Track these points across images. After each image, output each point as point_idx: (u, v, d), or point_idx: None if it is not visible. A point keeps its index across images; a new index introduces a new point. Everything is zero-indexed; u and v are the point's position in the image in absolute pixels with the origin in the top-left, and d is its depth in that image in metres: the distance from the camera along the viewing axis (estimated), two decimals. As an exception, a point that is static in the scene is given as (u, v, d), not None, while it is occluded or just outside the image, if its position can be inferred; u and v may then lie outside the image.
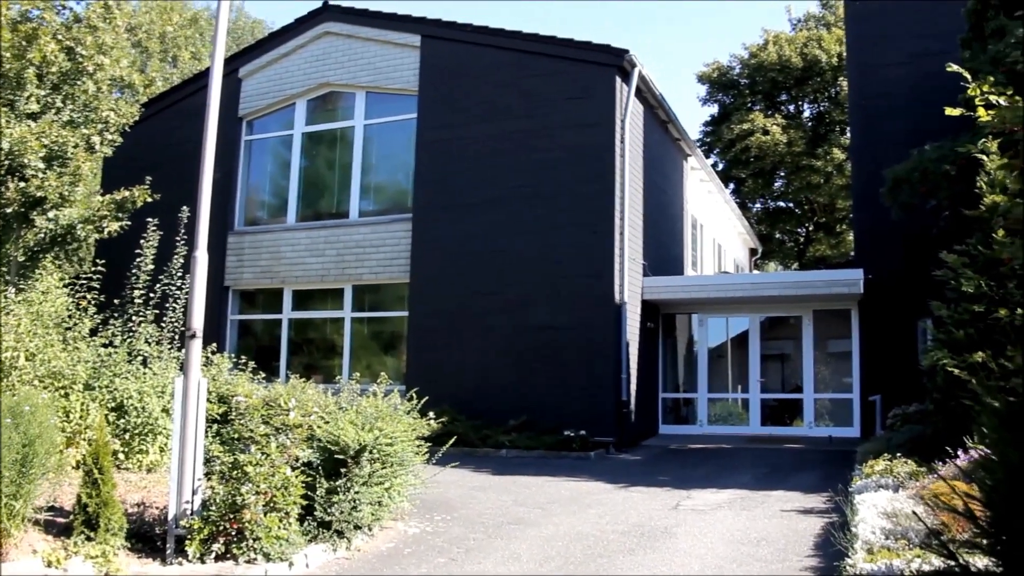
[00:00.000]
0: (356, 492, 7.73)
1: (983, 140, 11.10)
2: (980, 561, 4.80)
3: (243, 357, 11.05)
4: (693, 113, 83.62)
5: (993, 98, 5.69)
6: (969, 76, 5.88)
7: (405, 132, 17.81)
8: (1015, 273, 10.31)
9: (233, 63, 19.45)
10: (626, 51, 16.05)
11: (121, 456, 9.17)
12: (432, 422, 9.00)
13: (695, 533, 8.31)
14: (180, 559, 6.63)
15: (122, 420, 9.29)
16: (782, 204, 39.71)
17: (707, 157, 34.60)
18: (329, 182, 19.00)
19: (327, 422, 8.15)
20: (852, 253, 22.92)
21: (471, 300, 16.43)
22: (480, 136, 16.86)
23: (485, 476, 12.12)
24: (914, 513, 6.60)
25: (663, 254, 19.53)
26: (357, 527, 7.76)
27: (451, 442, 9.48)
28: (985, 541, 4.59)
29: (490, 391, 15.88)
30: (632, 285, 16.58)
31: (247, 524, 6.70)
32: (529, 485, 11.43)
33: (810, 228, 39.96)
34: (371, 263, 17.65)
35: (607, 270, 15.77)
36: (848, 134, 34.41)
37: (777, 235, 41.11)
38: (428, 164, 17.23)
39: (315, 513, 7.48)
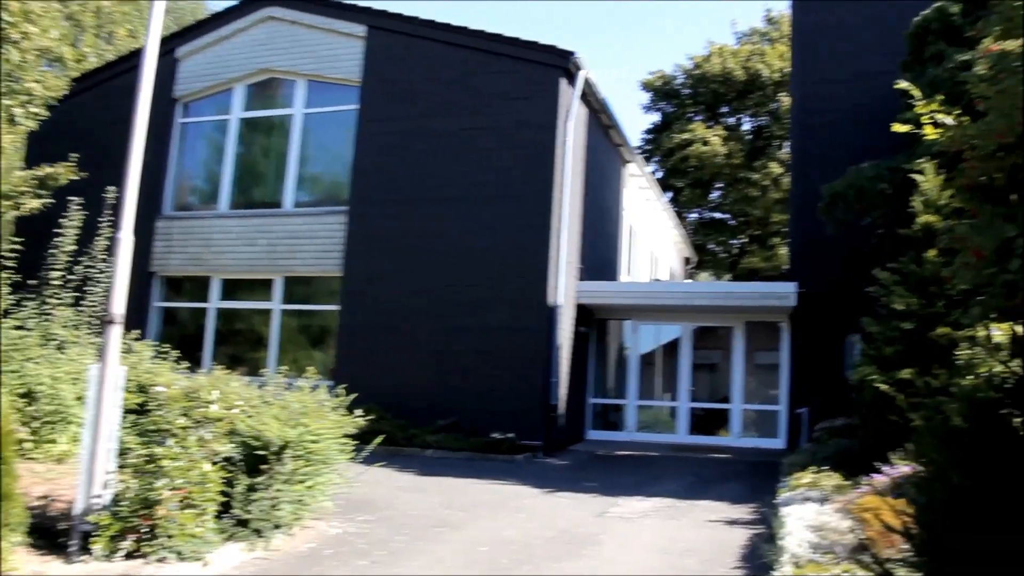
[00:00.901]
0: (277, 490, 7.47)
1: (920, 160, 11.27)
2: (911, 578, 4.80)
3: (166, 346, 10.66)
4: (635, 120, 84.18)
5: (940, 117, 5.70)
6: (919, 93, 5.88)
7: (346, 123, 17.47)
8: (944, 293, 10.46)
9: (170, 43, 18.89)
10: (572, 53, 15.98)
11: (28, 445, 8.76)
12: (359, 419, 8.76)
13: (622, 541, 8.22)
14: (85, 557, 6.29)
15: (31, 407, 8.87)
16: (718, 215, 40.13)
17: (646, 164, 34.79)
18: (265, 170, 18.57)
19: (251, 416, 7.86)
20: (785, 267, 23.21)
21: (405, 297, 16.19)
22: (421, 131, 16.62)
23: (411, 476, 11.91)
24: (849, 529, 6.59)
25: (599, 258, 19.51)
26: (277, 526, 7.49)
27: (378, 441, 9.23)
28: (918, 558, 4.57)
29: (419, 390, 15.65)
30: (567, 288, 16.51)
31: (160, 521, 6.40)
32: (455, 487, 11.26)
33: (744, 240, 40.45)
34: (304, 255, 17.29)
35: (543, 272, 15.65)
36: (786, 149, 35.01)
37: (711, 246, 41.53)
38: (367, 157, 16.95)
39: (233, 510, 7.19)
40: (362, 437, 8.88)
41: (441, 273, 16.07)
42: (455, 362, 15.71)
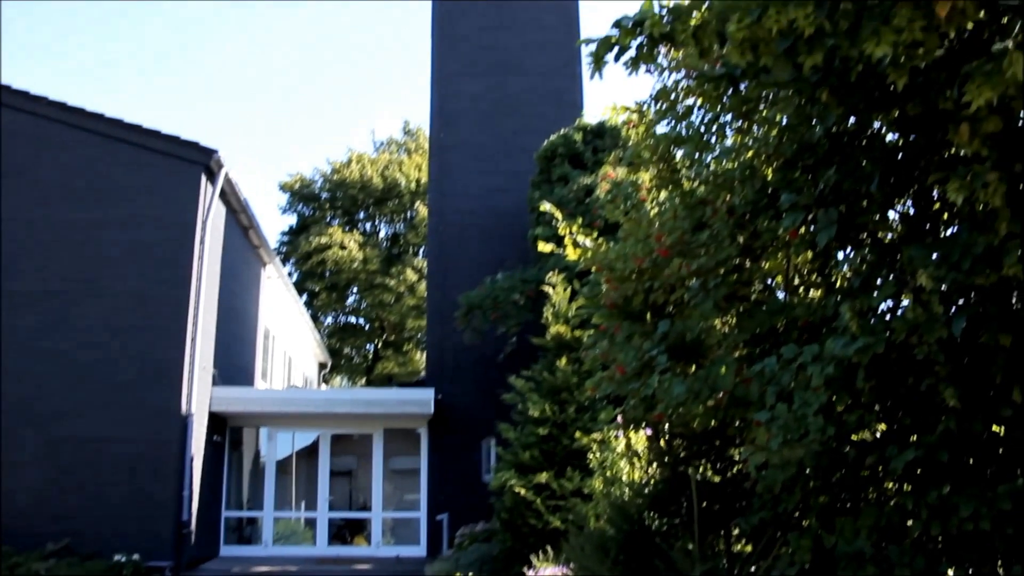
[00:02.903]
0: None
1: (550, 273, 12.13)
2: None
3: None
4: (272, 221, 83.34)
5: (580, 238, 6.14)
6: (560, 215, 6.30)
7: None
8: (575, 399, 11.20)
9: None
10: (215, 151, 15.49)
11: None
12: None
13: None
14: None
15: None
16: (353, 320, 40.41)
17: (284, 266, 34.37)
18: None
19: None
20: (423, 372, 23.74)
21: (12, 403, 14.35)
22: (43, 220, 15.07)
23: (13, 616, 10.38)
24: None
25: (234, 363, 18.70)
26: None
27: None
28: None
29: (26, 510, 13.79)
30: (200, 395, 15.58)
31: None
32: (69, 624, 9.96)
33: (379, 345, 40.98)
34: None
35: (174, 379, 14.67)
36: (421, 256, 36.32)
37: (346, 350, 41.61)
38: (-28, 244, 15.01)
39: None
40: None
41: (57, 377, 14.49)
42: (71, 477, 14.11)
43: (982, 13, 3.79)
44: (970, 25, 3.44)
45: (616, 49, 3.54)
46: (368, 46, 67.18)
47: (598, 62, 3.52)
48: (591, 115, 16.65)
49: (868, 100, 4.23)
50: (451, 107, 19.28)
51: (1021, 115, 3.87)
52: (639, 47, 3.56)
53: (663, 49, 4.09)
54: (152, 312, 14.84)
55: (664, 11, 3.54)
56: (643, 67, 3.70)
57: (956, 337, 3.85)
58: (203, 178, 15.53)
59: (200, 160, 15.54)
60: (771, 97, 4.77)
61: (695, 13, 3.49)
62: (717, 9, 3.38)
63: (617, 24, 3.52)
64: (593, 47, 3.53)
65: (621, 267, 5.50)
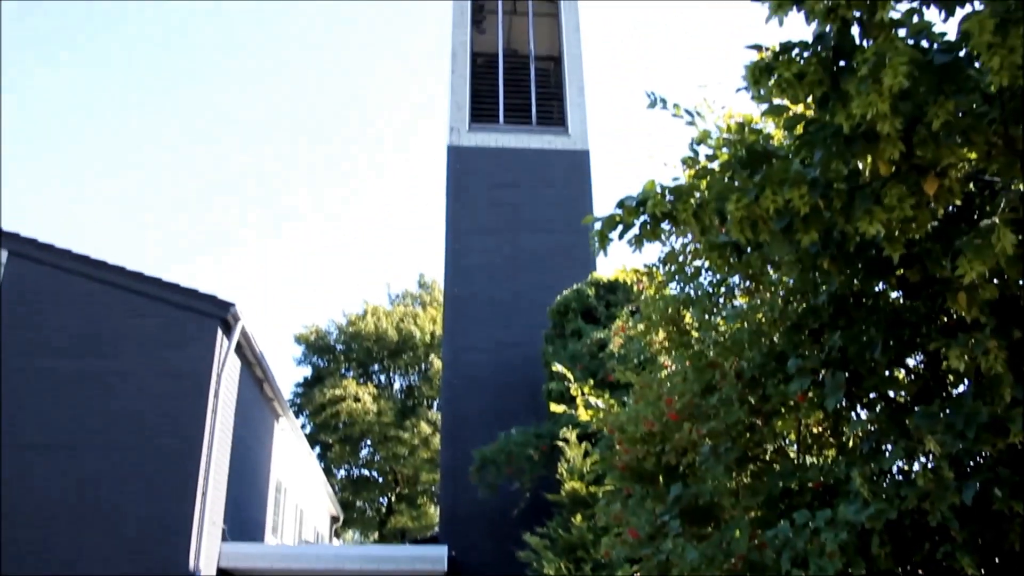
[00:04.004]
0: None
1: (564, 428, 12.10)
2: None
3: None
4: (286, 371, 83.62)
5: (592, 399, 6.20)
6: (572, 376, 6.37)
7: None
8: (590, 556, 10.97)
9: None
10: (232, 304, 15.73)
11: None
12: None
13: None
14: None
15: None
16: (366, 473, 39.97)
17: (296, 418, 34.29)
18: None
19: None
20: (436, 527, 23.33)
21: (14, 555, 14.07)
22: (56, 371, 15.16)
23: None
24: None
25: (244, 517, 18.44)
26: None
27: None
28: None
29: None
30: (209, 551, 15.28)
31: None
32: None
33: (392, 499, 40.39)
34: None
35: (183, 535, 14.41)
36: (435, 409, 36.23)
37: (359, 503, 40.99)
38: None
39: None
40: None
41: (62, 531, 14.25)
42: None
43: (971, 185, 3.97)
44: (958, 201, 3.59)
45: (620, 227, 3.71)
46: (385, 201, 69.12)
47: (603, 240, 3.68)
48: (603, 269, 16.94)
49: (868, 267, 4.35)
50: (464, 262, 19.69)
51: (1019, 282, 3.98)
52: (643, 225, 3.73)
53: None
54: (162, 465, 14.74)
55: (665, 190, 3.73)
56: (647, 242, 3.85)
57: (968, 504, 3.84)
58: (219, 331, 15.72)
59: (217, 313, 15.76)
60: (776, 260, 4.90)
61: (695, 192, 3.66)
62: (716, 189, 3.56)
63: (621, 204, 3.70)
64: (599, 225, 3.71)
65: (632, 430, 5.53)
